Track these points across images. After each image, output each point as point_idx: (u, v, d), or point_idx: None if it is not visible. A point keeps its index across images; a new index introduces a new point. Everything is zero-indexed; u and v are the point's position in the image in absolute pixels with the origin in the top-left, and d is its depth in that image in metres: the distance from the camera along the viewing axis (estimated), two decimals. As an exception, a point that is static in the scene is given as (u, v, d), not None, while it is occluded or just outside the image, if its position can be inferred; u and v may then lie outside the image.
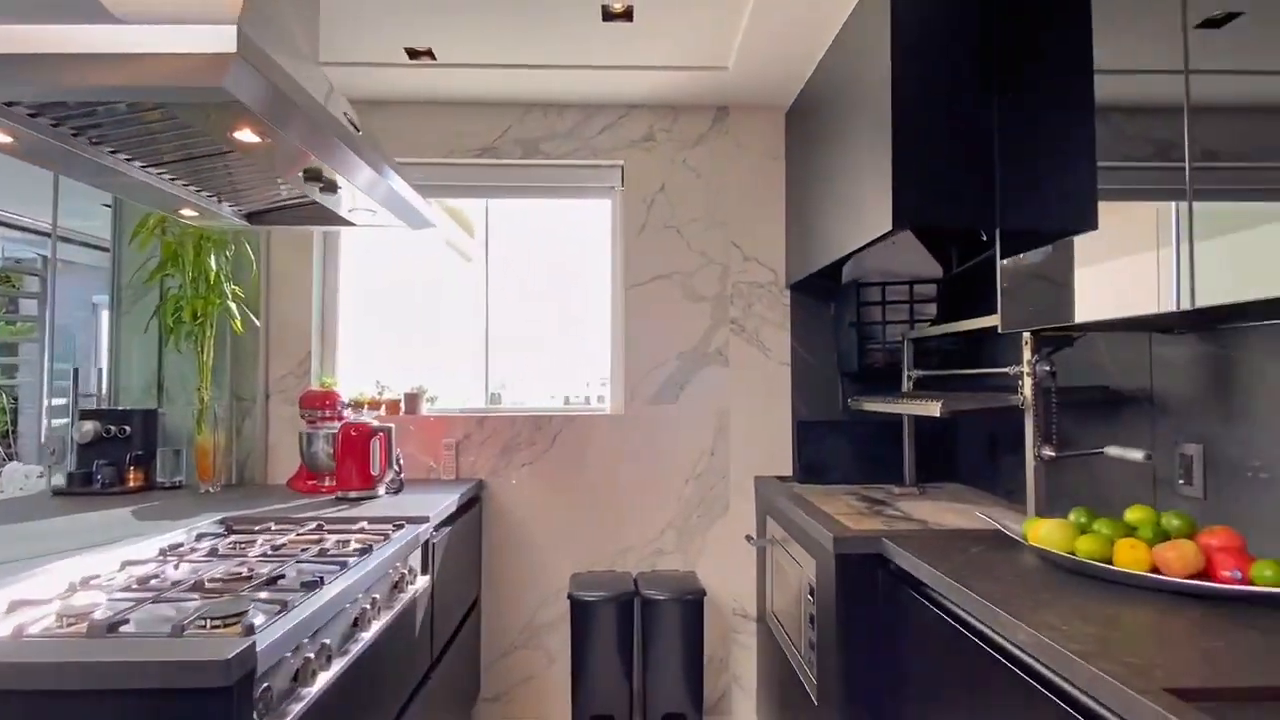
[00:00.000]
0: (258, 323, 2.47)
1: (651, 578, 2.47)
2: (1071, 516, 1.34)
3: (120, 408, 2.41)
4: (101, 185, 1.50)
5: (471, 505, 2.43)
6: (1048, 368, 1.61)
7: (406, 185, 1.70)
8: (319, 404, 2.29)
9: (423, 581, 1.83)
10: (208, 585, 1.26)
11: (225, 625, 1.04)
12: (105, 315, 7.07)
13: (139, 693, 0.93)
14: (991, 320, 1.69)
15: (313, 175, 1.47)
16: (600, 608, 2.31)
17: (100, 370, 5.13)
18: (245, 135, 1.22)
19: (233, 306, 2.34)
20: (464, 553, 2.31)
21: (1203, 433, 1.45)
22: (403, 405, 2.59)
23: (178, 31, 0.97)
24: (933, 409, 1.72)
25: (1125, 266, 1.25)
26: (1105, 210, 1.31)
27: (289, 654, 1.10)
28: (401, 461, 2.31)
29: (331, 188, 1.52)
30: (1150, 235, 1.18)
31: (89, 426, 2.27)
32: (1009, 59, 1.63)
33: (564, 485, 2.59)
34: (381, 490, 2.18)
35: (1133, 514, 1.28)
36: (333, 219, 1.88)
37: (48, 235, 5.35)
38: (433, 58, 2.28)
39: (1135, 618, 1.05)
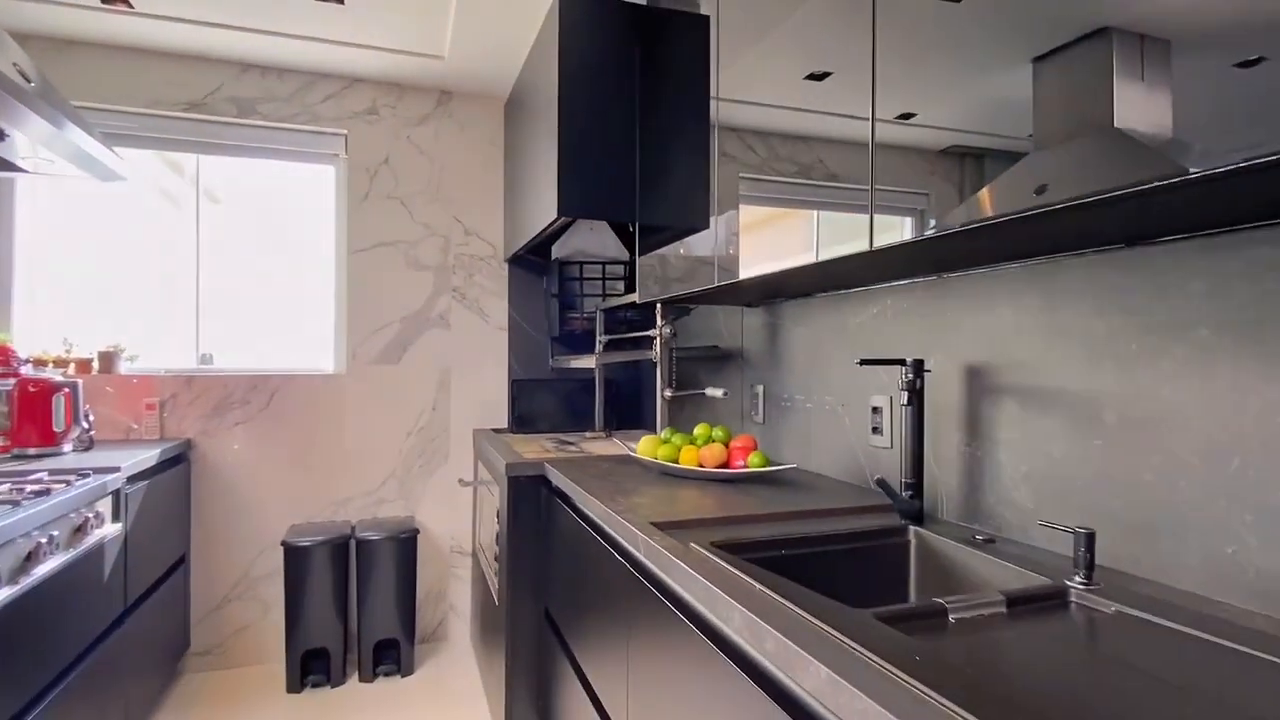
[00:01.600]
0: (-99, 270, 2.22)
1: (369, 523, 2.68)
2: (663, 435, 1.84)
3: None
4: None
5: (177, 463, 2.43)
6: (669, 330, 2.13)
7: (90, 139, 1.72)
8: (-12, 360, 2.15)
9: (113, 529, 1.88)
10: None
11: None
12: None
13: None
14: (633, 296, 2.17)
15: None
16: (315, 551, 2.47)
17: None
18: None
19: None
20: (167, 508, 2.33)
21: (764, 377, 2.05)
22: (95, 364, 2.48)
23: None
24: (589, 362, 2.17)
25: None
26: (771, 214, 1.46)
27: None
28: (91, 419, 2.25)
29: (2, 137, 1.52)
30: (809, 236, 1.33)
31: None
32: (649, 92, 2.09)
33: (282, 443, 2.69)
34: (67, 448, 2.12)
35: (698, 430, 1.81)
36: (3, 165, 1.81)
37: None
38: (129, 5, 2.22)
39: (675, 493, 1.54)
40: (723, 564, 1.02)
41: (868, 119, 1.10)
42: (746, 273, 1.50)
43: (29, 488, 1.63)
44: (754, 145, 1.50)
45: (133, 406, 2.50)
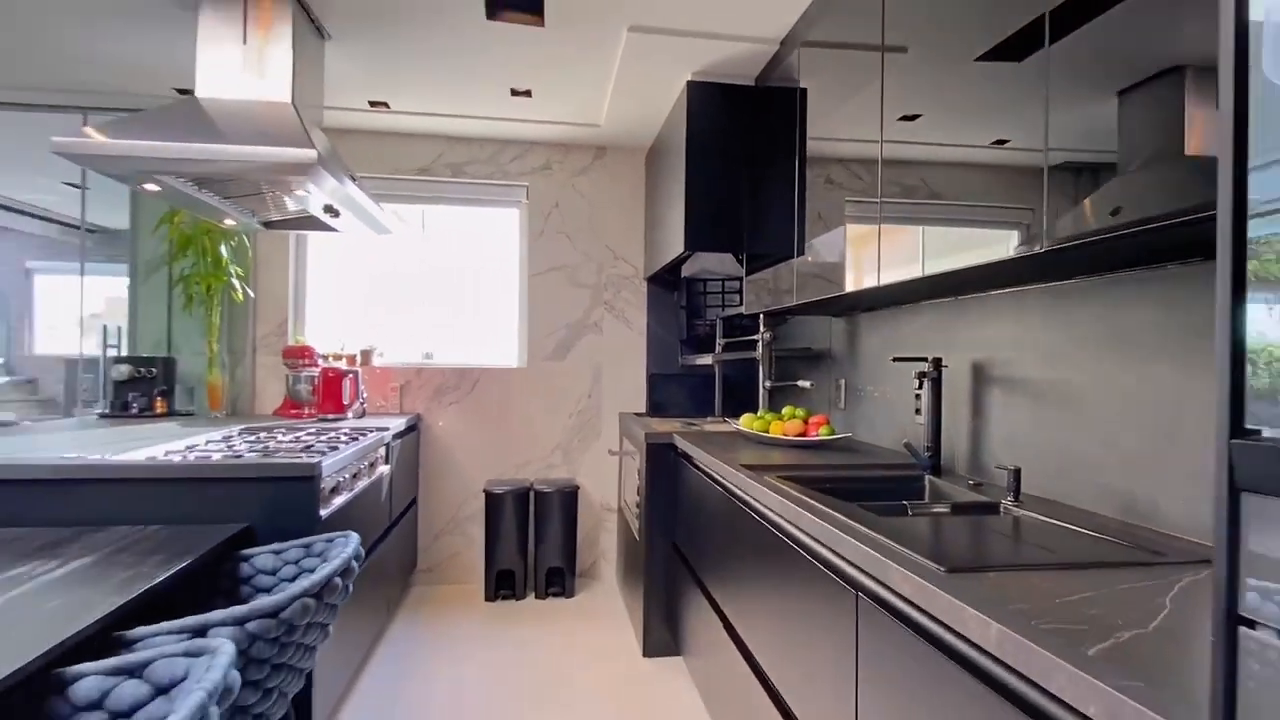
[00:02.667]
0: (251, 294, 3.32)
1: (542, 481, 3.51)
2: (760, 414, 2.47)
3: (144, 355, 3.20)
4: (185, 205, 2.37)
5: (412, 430, 3.38)
6: (769, 335, 2.74)
7: (374, 207, 2.63)
8: (300, 355, 3.19)
9: (385, 469, 2.80)
10: (270, 447, 2.19)
11: (298, 455, 2.00)
12: (39, 281, 7.43)
13: (265, 480, 1.89)
14: (742, 308, 2.80)
15: (328, 207, 2.39)
16: (505, 499, 3.33)
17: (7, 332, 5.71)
18: (301, 187, 2.14)
19: (235, 282, 3.18)
20: (408, 460, 3.27)
21: (845, 372, 2.61)
22: (359, 358, 3.49)
23: (278, 155, 1.90)
24: (709, 360, 2.83)
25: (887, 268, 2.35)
26: (884, 230, 1.74)
27: (329, 476, 2.06)
28: (365, 396, 3.24)
29: (335, 212, 2.45)
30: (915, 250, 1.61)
31: (125, 368, 3.07)
32: (756, 149, 2.72)
33: (480, 419, 3.58)
34: (350, 415, 3.11)
35: (785, 410, 2.42)
36: (322, 227, 2.78)
37: (-15, 203, 5.80)
38: (389, 108, 3.18)
39: (765, 453, 2.17)
40: (781, 486, 1.65)
41: (959, 145, 1.38)
42: (849, 287, 2.09)
43: (343, 437, 2.56)
44: (859, 173, 1.85)
45: (382, 389, 3.49)
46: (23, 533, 1.72)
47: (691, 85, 2.73)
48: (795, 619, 1.45)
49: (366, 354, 3.50)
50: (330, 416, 3.05)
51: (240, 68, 2.21)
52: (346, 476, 2.24)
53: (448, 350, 3.73)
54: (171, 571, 1.46)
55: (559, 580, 3.39)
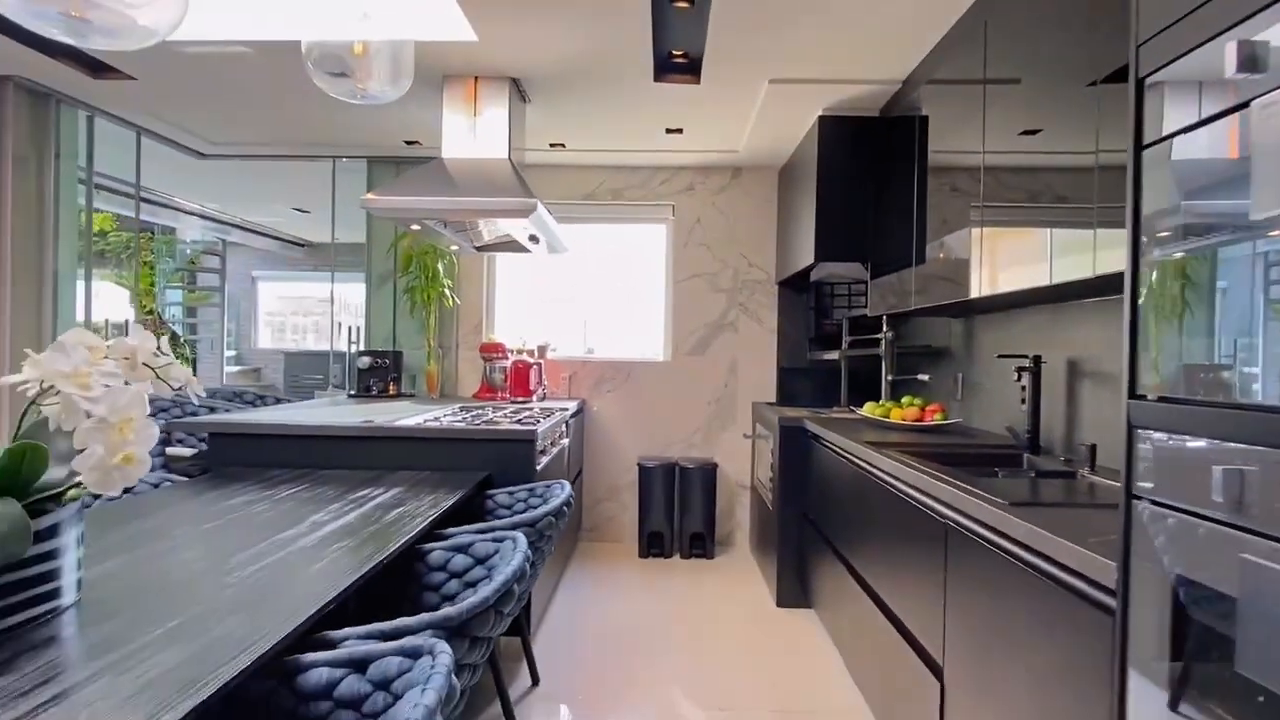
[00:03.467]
0: (458, 301, 4.13)
1: (686, 459, 4.08)
2: (882, 403, 2.89)
3: (379, 349, 4.09)
4: (427, 236, 3.13)
5: (579, 413, 4.06)
6: (891, 334, 3.14)
7: (560, 232, 3.29)
8: (494, 350, 3.94)
9: (565, 442, 3.47)
10: (492, 418, 2.90)
11: (520, 424, 2.68)
12: (261, 287, 8.97)
13: (500, 441, 2.57)
14: (865, 310, 3.21)
15: (532, 236, 3.07)
16: (655, 472, 3.93)
17: (237, 328, 6.95)
18: (515, 227, 2.82)
19: (447, 292, 3.99)
20: (576, 437, 3.95)
21: (963, 367, 2.96)
22: (536, 352, 4.22)
23: (512, 203, 2.57)
24: (832, 355, 3.27)
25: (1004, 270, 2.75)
26: (1006, 234, 2.09)
27: (541, 441, 2.73)
28: (546, 383, 3.95)
29: (536, 239, 3.13)
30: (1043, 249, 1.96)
31: (366, 359, 3.96)
32: (881, 170, 3.12)
33: (634, 405, 4.21)
34: (535, 399, 3.82)
35: (904, 399, 2.82)
36: (519, 249, 3.49)
37: (226, 223, 7.19)
38: (564, 148, 3.86)
39: (885, 434, 2.61)
40: (899, 456, 2.10)
41: (1077, 152, 1.62)
42: (973, 293, 2.50)
43: (539, 414, 3.24)
44: (985, 181, 2.15)
45: (555, 377, 4.20)
46: (345, 473, 2.50)
47: (822, 119, 3.17)
48: (904, 554, 1.91)
49: (542, 349, 4.22)
50: (520, 399, 3.77)
51: (470, 133, 2.92)
52: (548, 443, 2.91)
53: (606, 346, 4.38)
54: (456, 498, 2.15)
55: (701, 544, 3.95)
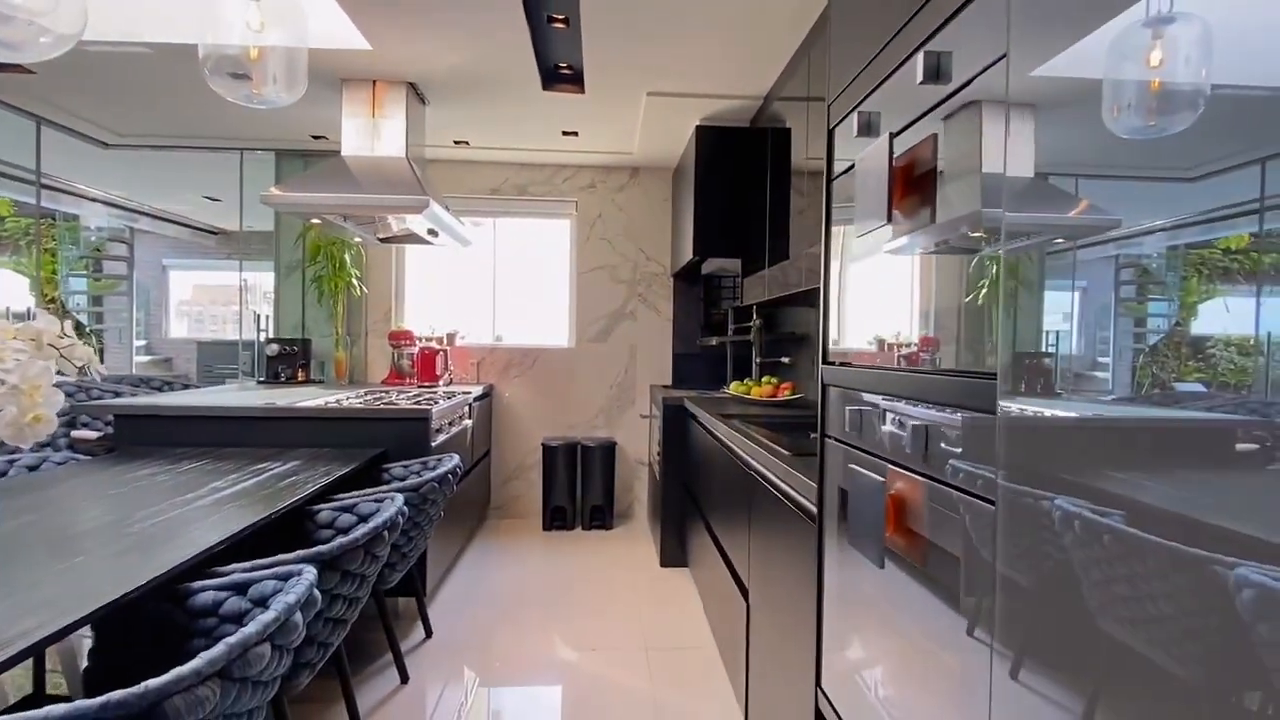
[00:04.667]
0: (365, 290, 4.30)
1: (588, 438, 4.39)
2: (746, 382, 3.26)
3: (288, 337, 4.22)
4: (330, 230, 3.31)
5: (486, 397, 4.31)
6: (760, 322, 3.52)
7: (460, 227, 3.52)
8: (402, 337, 4.14)
9: (468, 422, 3.72)
10: (393, 400, 3.12)
11: (417, 404, 2.92)
12: (173, 276, 8.79)
13: (396, 420, 2.81)
14: (742, 302, 3.58)
15: (430, 230, 3.29)
16: (559, 450, 4.22)
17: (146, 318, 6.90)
18: (413, 218, 3.05)
19: (355, 281, 4.16)
20: (483, 420, 4.20)
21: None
22: (445, 340, 4.44)
23: (406, 201, 2.80)
24: (711, 341, 3.63)
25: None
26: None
27: (437, 420, 2.97)
28: (452, 369, 4.18)
29: (435, 233, 3.35)
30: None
31: (275, 346, 4.09)
32: (752, 175, 3.48)
33: (539, 389, 4.48)
34: (441, 384, 4.05)
35: (764, 378, 3.20)
36: (422, 241, 3.71)
37: (133, 210, 7.09)
38: (469, 145, 4.08)
39: (744, 409, 2.98)
40: (739, 424, 2.46)
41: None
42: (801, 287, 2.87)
43: (440, 397, 3.48)
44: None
45: (464, 364, 4.43)
46: (248, 451, 2.69)
47: (700, 128, 3.52)
48: (733, 505, 2.27)
49: (451, 336, 4.44)
50: (427, 384, 3.99)
51: (370, 133, 3.13)
52: (445, 423, 3.16)
53: (514, 334, 4.64)
54: (349, 469, 2.38)
55: (601, 516, 4.27)
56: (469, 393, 3.75)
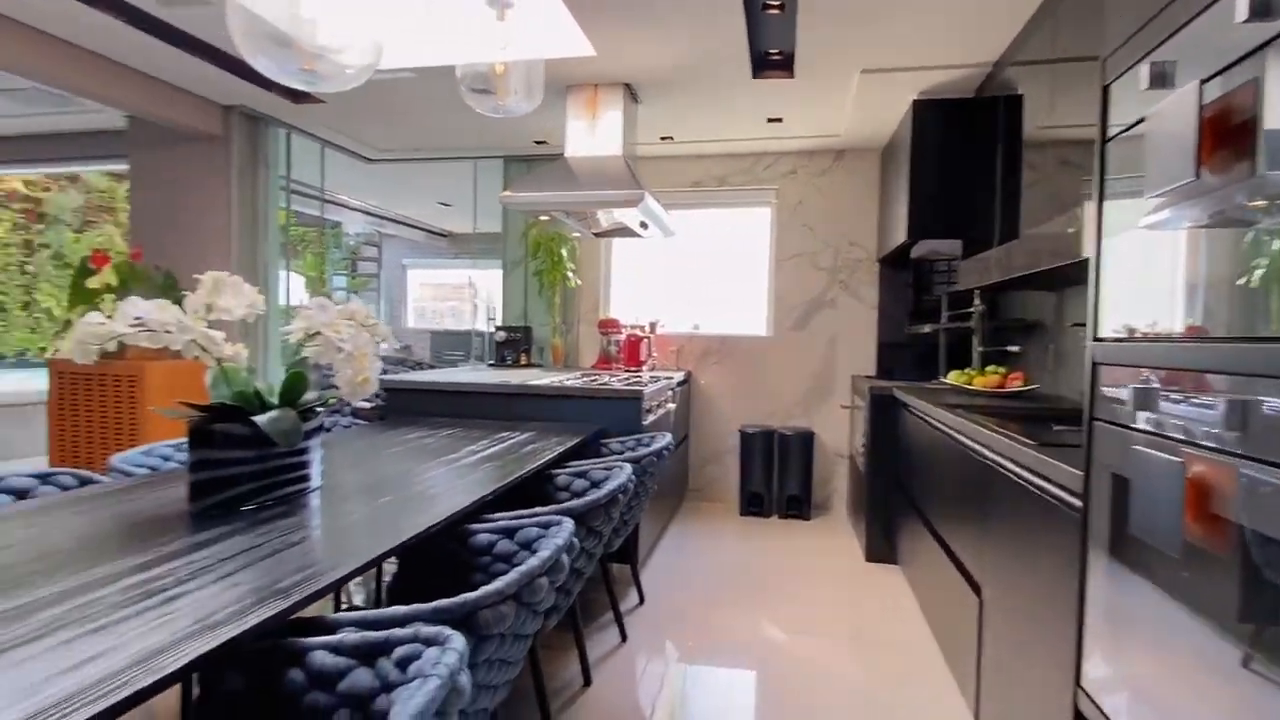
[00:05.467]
0: (579, 282, 4.63)
1: (785, 427, 4.36)
2: (967, 371, 3.05)
3: (512, 325, 4.68)
4: (552, 226, 3.62)
5: (685, 383, 4.45)
6: (983, 307, 3.27)
7: (667, 218, 3.67)
8: (611, 326, 4.41)
9: (670, 406, 3.87)
10: (608, 381, 3.35)
11: (630, 386, 3.11)
12: (410, 275, 10.08)
13: (612, 400, 3.01)
14: (960, 286, 3.36)
15: (642, 223, 3.48)
16: (756, 437, 4.25)
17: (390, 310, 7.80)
18: (627, 215, 3.24)
19: (570, 274, 4.50)
20: (682, 405, 4.34)
21: (1055, 339, 3.07)
22: (648, 328, 4.65)
23: (623, 195, 2.99)
24: (922, 329, 3.44)
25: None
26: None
27: (647, 401, 3.14)
28: (655, 355, 4.38)
29: (645, 225, 3.53)
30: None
31: (503, 334, 4.56)
32: (973, 148, 3.24)
33: (736, 376, 4.54)
34: (645, 369, 4.26)
35: (988, 368, 2.97)
36: (632, 234, 3.91)
37: (383, 217, 8.16)
38: (673, 140, 4.24)
39: (966, 399, 2.80)
40: (965, 414, 2.33)
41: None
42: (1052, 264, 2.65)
43: (648, 380, 3.66)
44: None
45: (665, 350, 4.61)
46: (488, 422, 3.04)
47: (917, 103, 3.34)
48: (960, 496, 2.15)
49: (653, 325, 4.64)
50: (633, 369, 4.22)
51: (590, 134, 3.37)
52: (654, 404, 3.33)
53: (712, 322, 4.74)
54: (577, 440, 2.61)
55: (797, 505, 4.24)
56: (671, 378, 3.91)
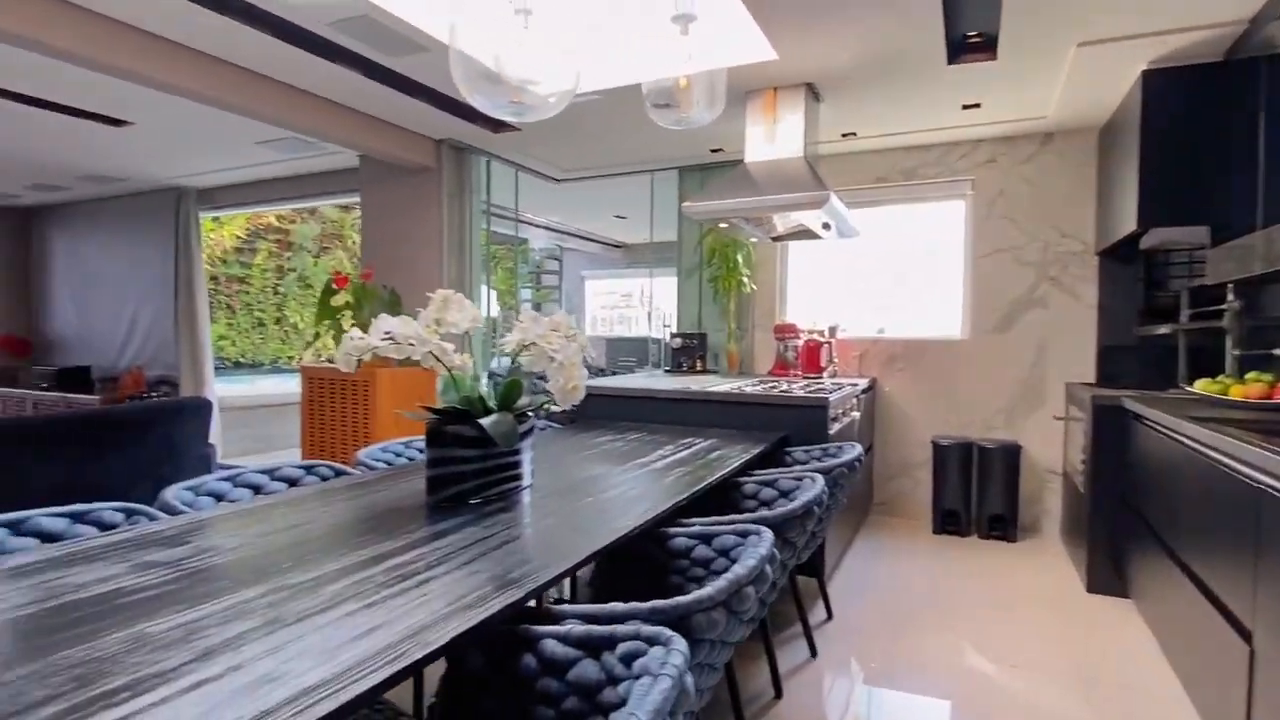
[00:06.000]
0: (755, 287, 4.61)
1: (985, 439, 4.01)
2: (1219, 379, 2.61)
3: (687, 331, 4.76)
4: (729, 232, 3.62)
5: (869, 390, 4.24)
6: (1240, 303, 2.78)
7: (850, 218, 3.52)
8: (787, 330, 4.32)
9: (855, 414, 3.71)
10: (787, 389, 3.28)
11: (815, 393, 3.03)
12: (588, 284, 10.65)
13: (797, 407, 2.95)
14: (1211, 280, 2.88)
15: (825, 224, 3.38)
16: (951, 450, 3.95)
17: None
18: (808, 217, 3.16)
19: (745, 280, 4.49)
20: (866, 413, 4.14)
21: (1339, 339, 2.54)
22: (827, 332, 4.49)
23: (807, 197, 2.92)
24: (1157, 330, 2.98)
25: None
26: None
27: (833, 409, 3.04)
28: (836, 361, 4.23)
29: (828, 226, 3.43)
30: None
31: (678, 340, 4.64)
32: (1222, 120, 2.77)
33: (926, 383, 4.25)
34: (825, 376, 4.12)
35: (1248, 375, 2.52)
36: (812, 236, 3.81)
37: (564, 232, 8.62)
38: (855, 136, 4.07)
39: (1222, 412, 2.40)
40: (1230, 430, 2.00)
41: None
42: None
43: (830, 387, 3.53)
44: None
45: (845, 357, 4.44)
46: (671, 427, 3.10)
47: (1148, 74, 2.93)
48: (1220, 527, 1.83)
49: (833, 329, 4.48)
50: (811, 375, 4.10)
51: (769, 137, 3.33)
52: (839, 412, 3.21)
53: (898, 325, 4.48)
54: (762, 447, 2.58)
55: (1001, 526, 3.87)
56: (855, 384, 3.74)
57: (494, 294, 10.06)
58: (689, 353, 4.63)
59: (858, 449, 2.56)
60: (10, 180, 5.67)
